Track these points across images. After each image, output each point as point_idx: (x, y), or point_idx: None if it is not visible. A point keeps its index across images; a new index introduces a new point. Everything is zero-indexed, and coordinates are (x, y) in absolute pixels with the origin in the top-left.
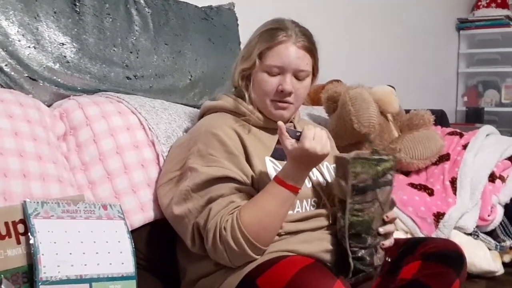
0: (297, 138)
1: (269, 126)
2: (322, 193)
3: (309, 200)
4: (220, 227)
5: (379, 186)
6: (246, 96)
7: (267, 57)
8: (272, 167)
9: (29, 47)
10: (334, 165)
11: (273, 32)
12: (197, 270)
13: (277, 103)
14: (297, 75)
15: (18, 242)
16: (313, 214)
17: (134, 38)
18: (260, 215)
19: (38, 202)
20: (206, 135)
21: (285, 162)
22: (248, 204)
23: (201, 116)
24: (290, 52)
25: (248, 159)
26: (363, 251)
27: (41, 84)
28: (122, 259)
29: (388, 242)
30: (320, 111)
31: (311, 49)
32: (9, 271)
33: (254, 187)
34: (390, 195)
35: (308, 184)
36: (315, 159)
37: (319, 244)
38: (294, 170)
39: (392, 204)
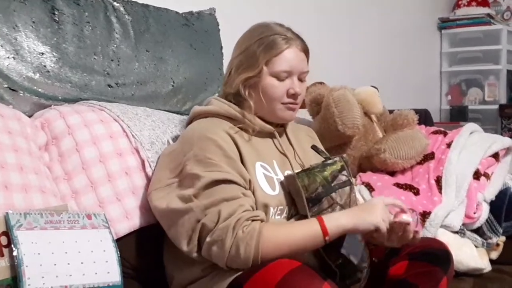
0: None
1: (262, 131)
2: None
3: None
4: (238, 227)
5: (333, 190)
6: (251, 103)
7: (275, 64)
8: (262, 173)
9: (8, 57)
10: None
11: (275, 38)
12: (185, 277)
13: (288, 105)
14: (300, 77)
15: (1, 255)
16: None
17: (115, 45)
18: (282, 239)
19: (20, 214)
20: (201, 140)
21: None
22: (276, 224)
23: (190, 121)
24: (296, 56)
25: (242, 164)
26: (343, 257)
27: (21, 94)
28: (108, 269)
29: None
30: (303, 113)
31: (307, 49)
32: None
33: None
34: (352, 194)
35: None
36: (370, 215)
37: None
38: (342, 214)
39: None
